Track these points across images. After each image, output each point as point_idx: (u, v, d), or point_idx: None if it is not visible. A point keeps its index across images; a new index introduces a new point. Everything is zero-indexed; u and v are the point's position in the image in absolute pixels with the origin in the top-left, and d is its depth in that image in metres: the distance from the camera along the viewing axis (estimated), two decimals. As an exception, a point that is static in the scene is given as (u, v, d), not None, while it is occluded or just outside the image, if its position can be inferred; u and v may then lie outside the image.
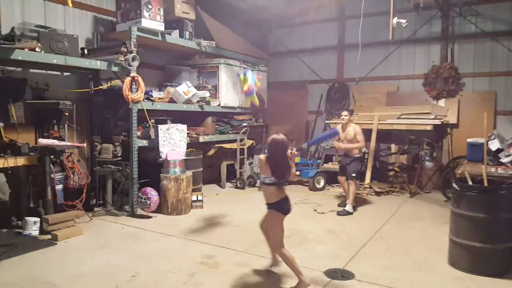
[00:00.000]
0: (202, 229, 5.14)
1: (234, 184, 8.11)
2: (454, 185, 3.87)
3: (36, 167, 4.93)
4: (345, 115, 6.23)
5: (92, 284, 3.45)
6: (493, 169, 4.64)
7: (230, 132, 8.14)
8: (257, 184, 7.96)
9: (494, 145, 5.28)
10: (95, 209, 5.78)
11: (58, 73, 5.82)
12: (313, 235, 4.95)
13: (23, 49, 4.38)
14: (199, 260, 4.03)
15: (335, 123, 9.11)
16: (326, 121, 9.60)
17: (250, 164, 8.45)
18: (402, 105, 8.75)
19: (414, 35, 8.71)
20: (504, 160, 5.23)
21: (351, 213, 5.99)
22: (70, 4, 5.27)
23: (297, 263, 3.39)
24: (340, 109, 9.59)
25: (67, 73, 5.96)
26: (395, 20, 5.59)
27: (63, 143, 4.99)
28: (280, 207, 3.42)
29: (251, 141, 8.44)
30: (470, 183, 3.95)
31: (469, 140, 6.00)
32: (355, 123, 6.49)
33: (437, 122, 7.95)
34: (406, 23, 5.78)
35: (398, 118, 8.34)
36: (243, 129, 8.09)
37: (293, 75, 10.25)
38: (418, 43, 8.74)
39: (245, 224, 5.35)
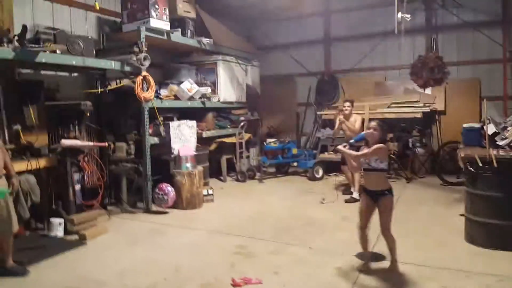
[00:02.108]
0: (222, 222, 5.26)
1: (235, 177, 8.24)
2: (469, 168, 4.17)
3: (55, 169, 4.89)
4: (348, 106, 6.45)
5: (140, 278, 3.52)
6: (495, 152, 4.99)
7: (229, 126, 8.25)
8: (257, 177, 8.14)
9: (490, 129, 5.65)
10: (109, 207, 5.78)
11: (67, 74, 5.75)
12: (330, 222, 5.16)
13: (44, 51, 4.32)
14: (233, 250, 4.17)
15: (327, 113, 9.43)
16: (318, 112, 9.87)
17: (248, 157, 8.60)
18: (391, 94, 9.13)
19: (398, 26, 9.04)
20: (501, 143, 5.64)
21: (359, 200, 6.23)
22: (97, 7, 5.28)
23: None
24: (329, 100, 9.94)
25: (75, 74, 5.89)
26: (399, 14, 5.86)
27: (86, 143, 4.97)
28: (392, 191, 3.51)
29: (248, 135, 8.59)
30: (481, 165, 4.27)
31: (464, 125, 6.38)
32: (356, 114, 6.75)
33: (426, 109, 8.36)
34: (410, 17, 6.05)
35: (388, 107, 8.72)
36: (242, 123, 8.21)
37: (282, 68, 10.42)
38: (404, 34, 9.09)
39: (259, 215, 5.53)
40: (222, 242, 4.46)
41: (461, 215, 5.05)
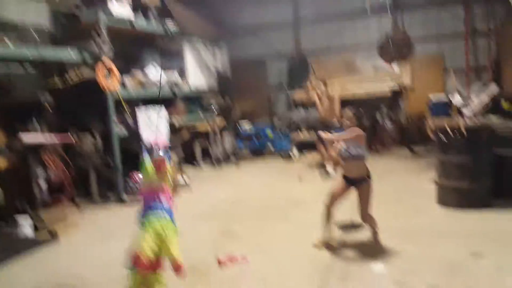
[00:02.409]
0: (203, 207, 5.20)
1: (210, 163, 8.15)
2: (440, 136, 4.29)
3: (16, 166, 4.63)
4: (321, 86, 6.50)
5: (119, 269, 3.38)
6: (462, 120, 5.15)
7: (200, 113, 8.11)
8: (233, 161, 8.09)
9: (457, 99, 5.84)
10: (78, 201, 5.58)
11: (21, 67, 5.41)
12: (309, 199, 5.17)
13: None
14: (217, 233, 4.13)
15: (298, 94, 9.44)
16: (289, 94, 9.86)
17: (222, 143, 8.51)
18: (360, 72, 9.26)
19: (366, 5, 9.09)
20: (466, 112, 5.85)
21: (333, 175, 6.33)
22: None
23: None
24: (301, 81, 9.93)
25: (31, 66, 5.56)
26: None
27: (49, 138, 4.72)
28: (371, 176, 3.46)
29: (221, 120, 8.48)
30: (451, 133, 4.40)
31: (432, 97, 6.58)
32: (331, 92, 6.80)
33: (394, 84, 8.54)
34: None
35: (358, 85, 8.83)
36: (214, 109, 8.09)
37: (252, 52, 10.32)
38: (370, 13, 9.17)
39: (239, 197, 5.51)
40: (205, 226, 4.41)
41: (432, 181, 5.25)
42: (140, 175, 5.58)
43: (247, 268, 3.26)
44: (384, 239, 3.60)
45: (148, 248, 2.42)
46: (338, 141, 3.52)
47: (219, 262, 3.36)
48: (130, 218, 4.81)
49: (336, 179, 6.06)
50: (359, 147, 3.42)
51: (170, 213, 2.62)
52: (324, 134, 3.69)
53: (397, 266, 3.11)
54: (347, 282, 2.92)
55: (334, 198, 3.55)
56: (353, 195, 3.51)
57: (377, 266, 3.13)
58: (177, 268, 2.44)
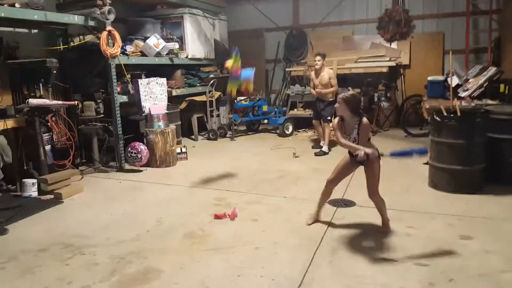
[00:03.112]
0: (198, 177, 5.32)
1: (206, 136, 8.24)
2: (435, 117, 4.40)
3: (23, 129, 4.72)
4: (318, 60, 6.44)
5: (123, 232, 3.57)
6: (458, 103, 5.27)
7: (198, 84, 8.13)
8: (228, 135, 8.18)
9: (454, 81, 5.92)
10: (81, 167, 5.71)
11: (26, 30, 5.38)
12: (303, 174, 5.36)
13: (2, 5, 4.02)
14: (212, 202, 4.29)
15: (296, 70, 9.47)
16: (286, 69, 9.88)
17: (218, 116, 8.58)
18: (358, 49, 9.26)
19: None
20: (463, 94, 5.96)
21: (327, 153, 6.47)
22: None
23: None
24: (298, 56, 9.93)
25: (35, 30, 5.53)
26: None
27: (54, 102, 4.79)
28: (379, 152, 3.31)
29: (218, 93, 8.51)
30: (445, 114, 4.51)
31: (429, 78, 6.65)
32: (328, 68, 6.81)
33: (392, 63, 8.59)
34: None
35: (355, 62, 8.86)
36: (211, 81, 8.10)
37: (249, 23, 10.19)
38: (371, -13, 9.10)
39: (235, 170, 5.62)
40: (200, 195, 4.56)
41: (425, 163, 5.40)
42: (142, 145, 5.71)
43: (241, 235, 3.43)
44: (371, 216, 3.73)
45: None
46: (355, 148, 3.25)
47: (216, 217, 3.75)
48: (130, 185, 5.01)
49: (330, 156, 6.27)
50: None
51: None
52: (333, 124, 3.48)
53: (386, 242, 3.25)
54: (335, 255, 3.07)
55: (337, 173, 3.54)
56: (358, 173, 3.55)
57: (367, 243, 3.28)
58: None
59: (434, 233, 3.41)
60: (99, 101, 5.58)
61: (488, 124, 4.40)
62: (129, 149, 5.63)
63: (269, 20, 10.09)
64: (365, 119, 3.23)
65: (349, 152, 3.45)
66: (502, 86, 5.84)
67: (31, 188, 4.52)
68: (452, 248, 3.11)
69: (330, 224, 3.67)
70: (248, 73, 5.46)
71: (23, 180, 4.56)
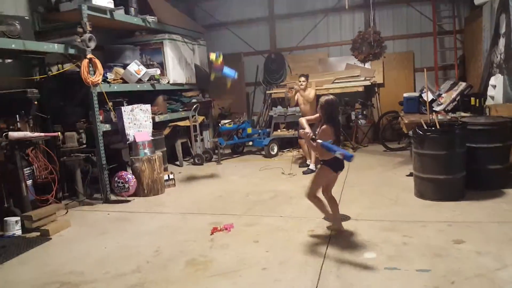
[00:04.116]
0: (190, 203, 5.26)
1: (191, 161, 8.19)
2: (417, 130, 4.59)
3: (2, 164, 4.55)
4: (303, 81, 6.72)
5: (122, 265, 3.45)
6: (435, 116, 5.52)
7: (181, 109, 8.12)
8: (214, 159, 8.17)
9: (429, 96, 6.20)
10: (64, 201, 5.52)
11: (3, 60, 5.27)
12: (294, 193, 5.37)
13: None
14: (208, 228, 4.21)
15: (276, 92, 9.66)
16: (267, 92, 10.06)
17: (202, 140, 8.58)
18: (334, 70, 9.58)
19: (339, 3, 9.40)
20: (438, 108, 6.24)
21: (315, 171, 6.55)
22: None
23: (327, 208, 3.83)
24: (278, 79, 10.17)
25: (9, 60, 5.41)
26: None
27: (36, 134, 4.64)
28: (331, 164, 3.64)
29: (202, 117, 8.53)
30: (426, 128, 4.72)
31: (405, 94, 6.94)
32: (311, 88, 7.01)
33: (367, 83, 8.91)
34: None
35: (332, 83, 9.14)
36: (194, 106, 8.12)
37: (228, 47, 10.31)
38: (343, 11, 9.47)
39: (227, 193, 5.61)
40: (196, 222, 4.49)
41: (407, 175, 5.58)
42: (129, 174, 5.61)
43: (245, 258, 3.40)
44: (367, 228, 3.87)
45: None
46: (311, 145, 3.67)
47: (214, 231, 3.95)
48: (119, 216, 4.89)
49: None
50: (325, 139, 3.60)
51: None
52: (304, 133, 3.71)
53: (385, 253, 3.31)
54: (341, 269, 3.10)
55: (316, 186, 3.82)
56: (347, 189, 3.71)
57: (369, 254, 3.33)
58: None
59: (428, 239, 3.53)
60: (81, 131, 5.47)
61: (466, 135, 4.65)
62: (116, 179, 5.51)
63: (247, 44, 10.32)
64: (326, 126, 3.61)
65: (320, 161, 3.78)
66: (472, 99, 6.19)
67: (14, 226, 4.29)
68: (447, 252, 3.23)
69: (330, 239, 3.71)
70: (231, 73, 6.27)
71: (5, 218, 4.33)
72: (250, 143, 8.77)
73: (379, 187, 5.37)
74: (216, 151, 8.07)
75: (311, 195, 3.78)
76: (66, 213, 5.14)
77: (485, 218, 3.95)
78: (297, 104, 6.98)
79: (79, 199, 5.53)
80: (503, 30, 5.90)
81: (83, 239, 4.19)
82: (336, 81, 9.15)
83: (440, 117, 5.59)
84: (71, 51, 5.26)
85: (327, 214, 3.88)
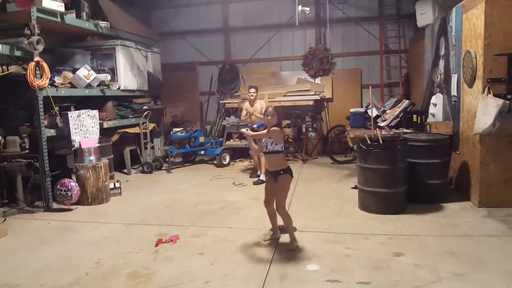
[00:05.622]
0: (136, 213, 5.16)
1: (140, 169, 8.02)
2: (361, 145, 4.83)
3: None
4: (254, 92, 6.87)
5: (59, 277, 3.32)
6: (379, 132, 5.82)
7: (131, 116, 7.95)
8: (164, 167, 8.05)
9: (374, 112, 6.55)
10: (2, 209, 5.20)
11: None
12: (243, 204, 5.45)
13: None
14: (153, 239, 4.15)
15: (230, 102, 9.75)
16: (221, 101, 10.12)
17: (152, 148, 8.45)
18: (286, 84, 9.86)
19: (291, 19, 9.70)
20: (382, 124, 6.60)
21: (265, 181, 6.66)
22: None
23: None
24: (232, 89, 10.27)
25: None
26: (300, 7, 6.33)
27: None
28: (291, 171, 3.82)
29: (152, 125, 8.41)
30: (370, 142, 4.98)
31: (351, 110, 7.27)
32: (261, 100, 7.16)
33: (317, 97, 9.26)
34: (309, 11, 6.58)
35: (284, 96, 9.39)
36: (145, 113, 7.99)
37: (182, 56, 10.41)
38: (295, 27, 9.74)
39: (175, 203, 5.56)
40: (141, 232, 4.41)
41: (353, 187, 5.83)
42: (72, 182, 5.39)
43: (188, 271, 3.38)
44: (312, 239, 3.99)
45: None
46: (255, 137, 3.90)
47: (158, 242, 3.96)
48: (60, 225, 4.67)
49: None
50: (275, 142, 3.77)
51: None
52: (245, 131, 3.94)
53: (327, 265, 3.41)
54: (285, 281, 3.16)
55: (266, 193, 3.99)
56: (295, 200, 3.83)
57: (312, 266, 3.43)
58: None
59: (370, 252, 3.68)
60: (24, 135, 5.21)
61: (407, 151, 4.94)
62: (58, 186, 5.28)
63: (201, 54, 10.34)
64: (276, 128, 3.76)
65: (268, 172, 3.94)
66: (414, 116, 6.61)
67: None
68: (387, 265, 3.39)
69: (275, 251, 3.78)
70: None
71: None
72: (202, 152, 8.74)
73: (326, 199, 5.54)
74: (167, 160, 7.96)
75: (283, 207, 3.84)
76: (4, 221, 4.87)
77: (424, 231, 4.15)
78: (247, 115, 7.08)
79: (19, 207, 5.24)
80: (442, 52, 6.38)
81: (20, 249, 3.98)
82: (288, 94, 9.41)
83: (383, 132, 5.90)
84: (17, 53, 5.04)
85: (290, 227, 3.93)
